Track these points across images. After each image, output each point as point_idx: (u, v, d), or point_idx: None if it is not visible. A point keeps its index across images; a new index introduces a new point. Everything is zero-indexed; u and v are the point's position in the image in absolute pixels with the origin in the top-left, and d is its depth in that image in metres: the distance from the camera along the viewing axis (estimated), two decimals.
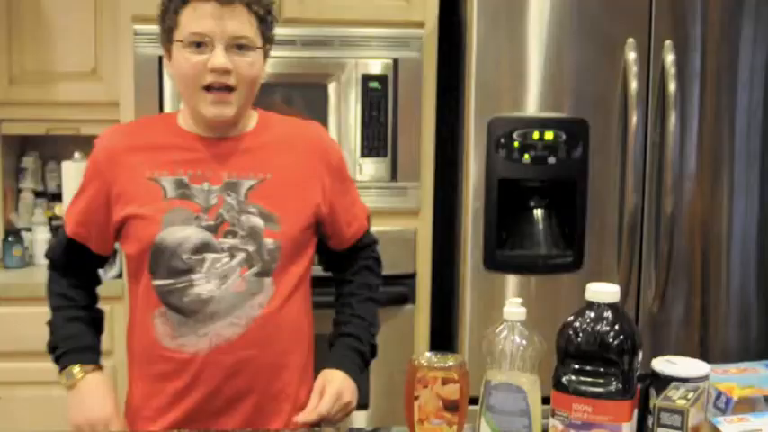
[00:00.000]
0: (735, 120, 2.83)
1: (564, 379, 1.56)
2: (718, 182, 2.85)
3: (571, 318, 1.58)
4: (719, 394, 1.75)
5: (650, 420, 1.55)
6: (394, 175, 2.92)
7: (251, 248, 1.83)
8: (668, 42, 2.75)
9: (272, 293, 1.85)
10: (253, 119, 1.95)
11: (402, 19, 2.89)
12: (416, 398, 1.59)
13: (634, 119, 2.72)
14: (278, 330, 1.86)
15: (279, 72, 2.82)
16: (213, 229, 1.82)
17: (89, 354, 1.90)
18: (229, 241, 1.83)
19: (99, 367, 1.90)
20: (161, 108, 2.81)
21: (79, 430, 1.85)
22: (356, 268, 2.06)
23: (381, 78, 2.86)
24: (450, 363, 1.61)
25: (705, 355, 2.81)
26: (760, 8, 2.79)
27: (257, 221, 1.84)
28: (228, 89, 1.81)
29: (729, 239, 2.88)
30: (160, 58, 2.76)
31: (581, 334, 1.54)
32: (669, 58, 2.74)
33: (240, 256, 1.82)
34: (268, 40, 1.88)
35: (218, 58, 1.78)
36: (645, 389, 1.64)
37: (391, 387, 2.84)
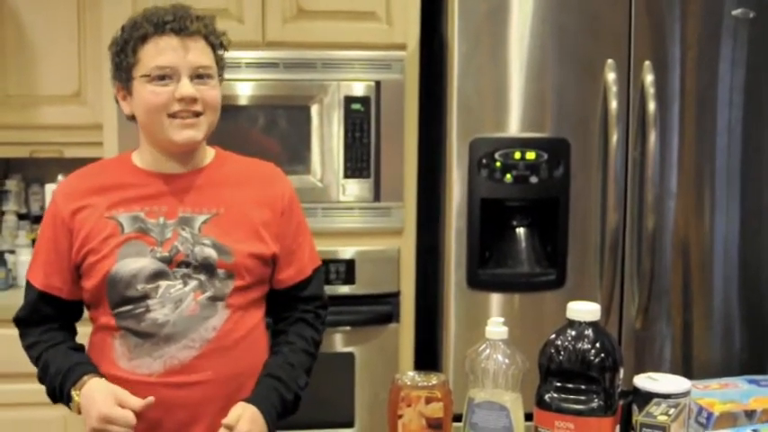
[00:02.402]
0: (715, 138, 2.85)
1: (546, 396, 1.58)
2: (698, 199, 2.87)
3: (553, 336, 1.60)
4: (701, 409, 1.77)
5: None
6: (377, 196, 2.93)
7: (203, 277, 1.86)
8: (647, 63, 2.77)
9: (226, 317, 1.88)
10: (209, 155, 2.00)
11: (384, 41, 2.90)
12: (400, 416, 1.60)
13: (615, 138, 2.74)
14: (232, 353, 1.88)
15: (262, 94, 2.83)
16: (167, 260, 1.86)
17: (75, 374, 1.86)
18: (183, 270, 1.86)
19: (91, 377, 1.84)
20: None
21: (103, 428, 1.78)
22: (291, 320, 2.03)
23: (364, 100, 2.87)
24: (434, 381, 1.62)
25: (689, 371, 2.84)
26: (738, 29, 2.82)
27: (211, 252, 1.87)
28: (195, 115, 1.86)
29: (711, 255, 2.90)
30: None
31: (562, 352, 1.56)
32: (648, 78, 2.76)
33: (193, 283, 1.86)
34: (221, 68, 1.96)
35: (186, 87, 1.84)
36: (627, 405, 1.65)
37: (376, 405, 2.84)
